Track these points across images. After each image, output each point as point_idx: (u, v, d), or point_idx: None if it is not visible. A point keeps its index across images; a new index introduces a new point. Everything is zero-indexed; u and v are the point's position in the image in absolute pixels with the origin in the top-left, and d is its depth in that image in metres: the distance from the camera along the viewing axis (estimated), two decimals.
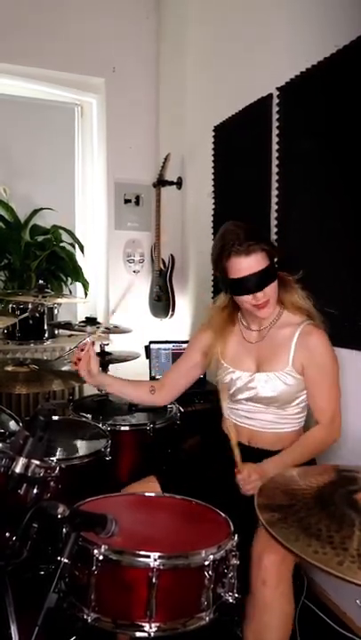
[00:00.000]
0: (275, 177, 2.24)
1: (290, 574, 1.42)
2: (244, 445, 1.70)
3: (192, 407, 2.49)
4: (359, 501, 1.08)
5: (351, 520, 1.02)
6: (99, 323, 2.69)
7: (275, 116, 2.23)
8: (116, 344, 3.13)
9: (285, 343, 1.62)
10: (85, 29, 3.31)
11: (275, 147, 2.24)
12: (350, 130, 1.80)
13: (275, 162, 2.24)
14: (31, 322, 2.80)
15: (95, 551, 1.15)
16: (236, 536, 1.26)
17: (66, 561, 1.04)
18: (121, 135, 3.48)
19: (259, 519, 1.05)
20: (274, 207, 2.25)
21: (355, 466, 1.30)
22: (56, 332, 2.99)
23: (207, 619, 1.17)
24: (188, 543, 1.23)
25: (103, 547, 1.14)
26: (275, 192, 2.24)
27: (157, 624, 1.12)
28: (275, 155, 2.24)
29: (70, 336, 3.15)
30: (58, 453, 1.75)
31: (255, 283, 1.55)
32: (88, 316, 2.77)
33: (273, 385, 1.62)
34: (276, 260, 1.61)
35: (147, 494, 1.53)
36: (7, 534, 1.11)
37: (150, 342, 2.84)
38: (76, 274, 3.43)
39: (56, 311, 2.96)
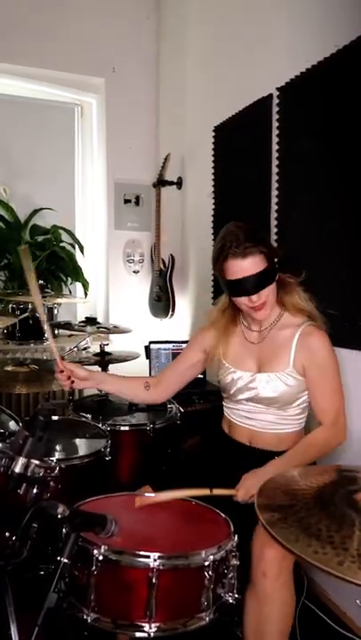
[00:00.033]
0: (275, 177, 2.24)
1: (291, 567, 1.42)
2: (245, 446, 1.71)
3: (192, 407, 2.49)
4: (359, 501, 1.08)
5: (351, 520, 1.01)
6: (98, 323, 2.69)
7: (275, 116, 2.23)
8: (115, 344, 3.13)
9: (286, 344, 1.62)
10: (85, 29, 3.31)
11: (275, 147, 2.24)
12: (350, 130, 1.80)
13: (275, 162, 2.24)
14: (31, 322, 2.80)
15: (95, 551, 1.15)
16: (236, 536, 1.25)
17: (66, 561, 1.04)
18: (121, 135, 3.48)
19: (259, 519, 1.05)
20: (274, 207, 2.25)
21: (355, 466, 1.30)
22: (56, 331, 2.99)
23: (207, 619, 1.17)
24: (188, 543, 1.23)
25: (103, 547, 1.14)
26: (275, 192, 2.24)
27: (157, 624, 1.12)
28: (275, 155, 2.24)
29: (70, 336, 3.15)
30: (57, 453, 1.75)
31: (251, 285, 1.55)
32: (88, 315, 2.77)
33: (274, 385, 1.62)
34: (276, 262, 1.61)
35: (147, 494, 1.52)
36: (7, 534, 1.11)
37: (150, 342, 2.84)
38: (76, 274, 3.43)
39: (56, 311, 2.97)
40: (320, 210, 1.98)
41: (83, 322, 2.68)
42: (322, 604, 1.98)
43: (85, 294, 3.49)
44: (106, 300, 3.61)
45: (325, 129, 1.93)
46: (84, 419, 2.10)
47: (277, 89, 2.19)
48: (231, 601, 1.22)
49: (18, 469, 1.10)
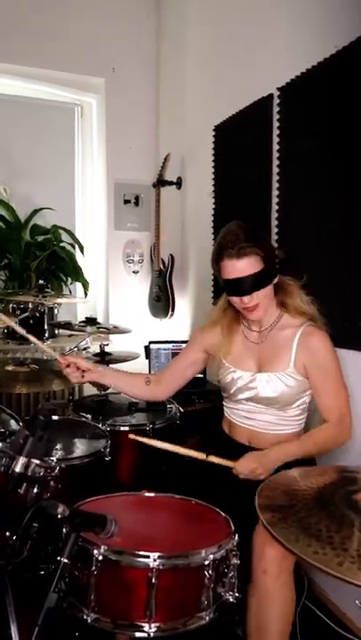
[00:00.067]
0: (275, 177, 2.24)
1: (291, 567, 1.42)
2: (245, 446, 1.71)
3: (192, 407, 2.48)
4: (359, 502, 1.08)
5: (351, 520, 1.02)
6: (98, 323, 2.69)
7: (275, 117, 2.23)
8: (115, 344, 3.13)
9: (287, 344, 1.62)
10: (85, 29, 3.31)
11: (275, 147, 2.24)
12: (350, 130, 1.80)
13: (275, 162, 2.24)
14: (31, 322, 2.79)
15: (95, 551, 1.15)
16: (236, 536, 1.26)
17: (66, 561, 1.04)
18: (121, 135, 3.48)
19: (259, 519, 1.05)
20: (274, 207, 2.25)
21: (355, 466, 1.30)
22: (56, 331, 2.99)
23: (207, 618, 1.17)
24: (188, 543, 1.23)
25: (103, 547, 1.14)
26: (275, 192, 2.24)
27: (157, 624, 1.12)
28: (275, 155, 2.24)
29: (70, 336, 3.15)
30: (58, 453, 1.75)
31: (244, 286, 1.55)
32: (88, 315, 2.77)
33: (274, 386, 1.62)
34: (276, 264, 1.60)
35: (147, 494, 1.53)
36: (7, 534, 1.11)
37: (150, 342, 2.84)
38: (76, 274, 3.43)
39: (56, 311, 2.96)
40: (320, 210, 1.98)
41: (83, 322, 2.67)
42: (322, 605, 1.98)
43: (85, 294, 3.49)
44: (106, 300, 3.61)
45: (326, 129, 1.93)
46: (84, 419, 2.10)
47: (278, 89, 2.19)
48: (232, 600, 1.22)
49: (18, 469, 1.10)
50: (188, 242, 3.25)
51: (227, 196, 2.75)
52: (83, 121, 3.71)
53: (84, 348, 2.61)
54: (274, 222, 2.25)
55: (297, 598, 1.47)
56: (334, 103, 1.88)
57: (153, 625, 1.12)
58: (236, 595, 1.22)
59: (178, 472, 1.71)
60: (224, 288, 1.63)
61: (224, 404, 1.81)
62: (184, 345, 2.20)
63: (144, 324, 3.29)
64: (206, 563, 1.17)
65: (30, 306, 2.70)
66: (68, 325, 2.71)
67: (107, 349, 2.61)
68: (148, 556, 1.13)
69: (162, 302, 3.21)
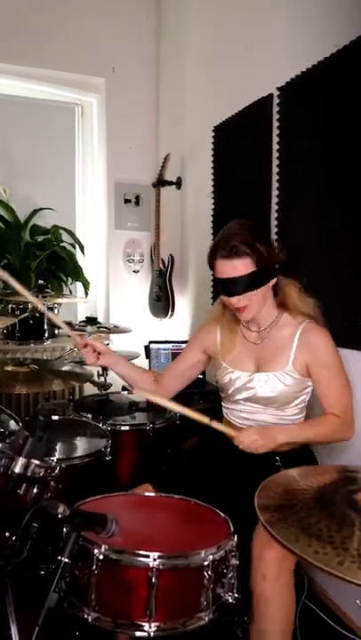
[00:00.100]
0: (275, 177, 2.24)
1: (292, 567, 1.42)
2: None
3: (192, 407, 2.48)
4: (359, 501, 1.08)
5: (351, 520, 1.02)
6: (99, 322, 2.69)
7: (275, 116, 2.23)
8: (115, 344, 3.13)
9: (287, 343, 1.62)
10: (85, 29, 3.31)
11: (275, 147, 2.24)
12: (350, 130, 1.80)
13: (275, 162, 2.24)
14: (31, 322, 2.80)
15: (95, 551, 1.15)
16: (235, 536, 1.25)
17: (66, 560, 1.04)
18: (121, 135, 3.48)
19: (259, 519, 1.05)
20: (274, 207, 2.25)
21: (355, 466, 1.30)
22: (56, 331, 2.99)
23: (207, 619, 1.17)
24: (188, 543, 1.23)
25: (103, 546, 1.14)
26: (275, 192, 2.24)
27: (157, 624, 1.13)
28: (275, 155, 2.24)
29: (70, 336, 3.15)
30: (58, 453, 1.75)
31: (234, 287, 1.55)
32: (88, 315, 2.77)
33: (272, 385, 1.62)
34: (273, 266, 1.59)
35: (147, 494, 1.53)
36: (7, 534, 1.11)
37: (150, 342, 2.84)
38: (77, 274, 3.43)
39: (56, 311, 2.97)
40: (320, 210, 1.98)
41: (83, 321, 2.68)
42: (322, 604, 1.98)
43: (86, 294, 3.49)
44: (106, 299, 3.61)
45: (326, 129, 1.93)
46: (84, 418, 2.10)
47: (278, 89, 2.19)
48: (231, 600, 1.22)
49: (18, 469, 1.10)
50: (187, 242, 3.25)
51: (226, 196, 2.75)
52: (83, 121, 3.71)
53: None
54: (274, 222, 2.25)
55: (297, 598, 1.47)
56: (334, 103, 1.88)
57: (153, 624, 1.12)
58: (236, 595, 1.22)
59: (178, 472, 1.70)
60: (218, 286, 1.63)
61: (223, 404, 1.81)
62: (184, 345, 2.20)
63: (144, 324, 3.29)
64: (206, 563, 1.17)
65: (30, 306, 2.70)
66: (68, 325, 2.71)
67: None
68: (148, 556, 1.13)
69: (162, 302, 3.21)
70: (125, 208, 3.55)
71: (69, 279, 3.46)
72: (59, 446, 1.81)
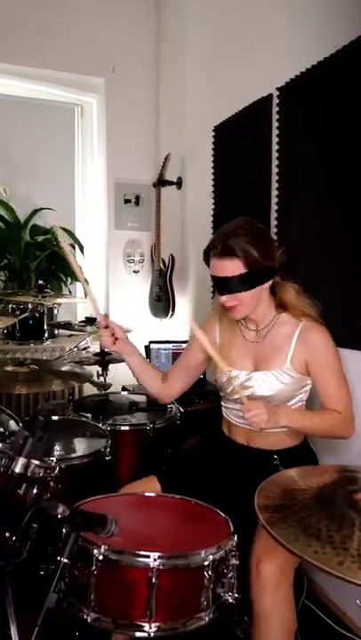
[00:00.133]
0: (275, 177, 2.24)
1: (290, 579, 1.40)
2: (243, 446, 1.70)
3: (192, 407, 2.48)
4: (359, 501, 1.08)
5: (351, 520, 1.02)
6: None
7: (275, 116, 2.23)
8: None
9: (285, 342, 1.62)
10: (85, 29, 3.31)
11: (275, 147, 2.24)
12: (350, 130, 1.80)
13: (275, 162, 2.24)
14: (31, 322, 2.80)
15: (95, 551, 1.15)
16: (235, 536, 1.25)
17: (66, 561, 1.04)
18: (121, 135, 3.48)
19: (259, 519, 1.05)
20: (274, 207, 2.25)
21: (355, 466, 1.30)
22: (56, 332, 2.99)
23: (207, 619, 1.17)
24: (188, 543, 1.23)
25: (103, 547, 1.14)
26: (275, 192, 2.24)
27: (157, 624, 1.12)
28: (275, 155, 2.24)
29: (70, 336, 3.15)
30: (57, 453, 1.75)
31: (223, 285, 1.56)
32: (88, 315, 2.77)
33: (270, 384, 1.62)
34: (269, 269, 1.57)
35: (147, 494, 1.53)
36: (7, 534, 1.11)
37: (150, 342, 2.84)
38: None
39: (56, 311, 2.97)
40: (320, 210, 1.98)
41: (83, 322, 2.67)
42: (322, 604, 1.99)
43: (85, 294, 3.48)
44: (106, 299, 3.61)
45: (325, 129, 1.93)
46: (84, 419, 2.10)
47: (277, 89, 2.19)
48: (231, 600, 1.22)
49: (18, 469, 1.10)
50: (188, 242, 3.25)
51: (227, 196, 2.75)
52: (83, 121, 3.71)
53: (84, 348, 2.62)
54: (273, 222, 2.25)
55: (297, 598, 1.47)
56: (334, 103, 1.88)
57: (153, 625, 1.12)
58: (236, 595, 1.22)
59: (178, 472, 1.70)
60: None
61: (222, 403, 1.81)
62: (184, 345, 2.20)
63: (144, 324, 3.29)
64: (206, 563, 1.17)
65: (30, 306, 2.71)
66: (67, 325, 2.72)
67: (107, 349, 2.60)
68: (148, 556, 1.13)
69: (162, 302, 3.21)
70: (125, 208, 3.55)
71: (69, 279, 3.46)
72: (58, 446, 1.81)
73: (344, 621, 1.91)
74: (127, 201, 3.55)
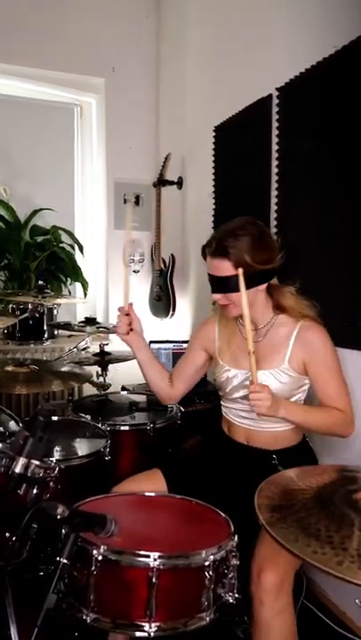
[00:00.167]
0: (275, 177, 2.24)
1: (290, 586, 1.39)
2: (243, 445, 1.70)
3: (192, 407, 2.48)
4: (359, 501, 1.08)
5: (351, 520, 1.01)
6: (98, 323, 2.69)
7: (275, 117, 2.23)
8: (115, 344, 3.12)
9: (284, 341, 1.62)
10: (85, 29, 3.31)
11: (275, 147, 2.24)
12: (350, 130, 1.80)
13: (275, 162, 2.24)
14: (31, 322, 2.79)
15: (94, 551, 1.15)
16: (236, 536, 1.25)
17: (65, 561, 1.04)
18: (121, 135, 3.48)
19: (259, 519, 1.05)
20: (274, 207, 2.25)
21: (355, 466, 1.30)
22: (56, 332, 2.99)
23: (207, 619, 1.17)
24: (189, 543, 1.23)
25: (102, 547, 1.14)
26: (274, 192, 2.24)
27: (157, 624, 1.12)
28: (275, 155, 2.24)
29: (70, 336, 3.15)
30: (57, 454, 1.75)
31: (215, 284, 1.57)
32: (87, 316, 2.77)
33: (268, 383, 1.60)
34: (263, 273, 1.56)
35: (147, 494, 1.53)
36: (7, 534, 1.11)
37: (150, 342, 2.83)
38: (76, 274, 3.43)
39: (56, 311, 2.96)
40: (320, 210, 1.98)
41: (82, 322, 2.67)
42: (321, 604, 1.99)
43: (85, 294, 3.49)
44: (105, 299, 3.61)
45: (325, 129, 1.93)
46: (83, 419, 2.10)
47: (277, 89, 2.19)
48: (231, 601, 1.22)
49: (18, 470, 1.10)
50: (188, 242, 3.25)
51: (227, 196, 2.75)
52: (82, 121, 3.71)
53: (84, 348, 2.62)
54: (273, 222, 2.25)
55: (296, 598, 1.46)
56: (334, 103, 1.88)
57: (153, 625, 1.12)
58: (236, 596, 1.22)
59: (178, 472, 1.70)
60: None
61: (221, 403, 1.80)
62: (185, 345, 2.20)
63: (145, 324, 3.23)
64: (207, 563, 1.17)
65: (30, 306, 2.70)
66: (67, 326, 2.71)
67: (106, 349, 2.61)
68: (148, 556, 1.13)
69: (162, 302, 3.21)
70: (125, 208, 3.55)
71: (69, 280, 3.46)
72: (58, 447, 1.81)
73: (343, 621, 1.91)
74: (127, 201, 3.54)
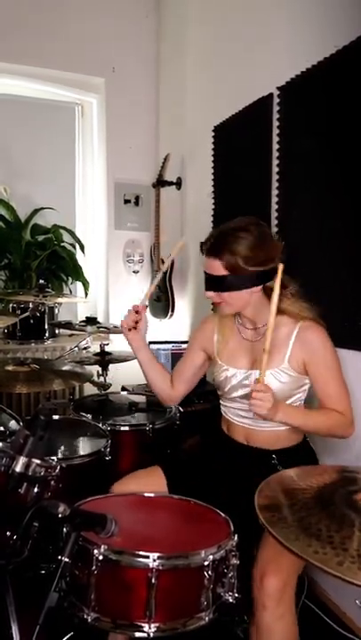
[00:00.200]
0: (275, 177, 2.24)
1: (292, 592, 1.39)
2: (242, 445, 1.70)
3: (192, 407, 2.48)
4: (359, 502, 1.08)
5: (351, 520, 1.02)
6: (98, 322, 2.69)
7: (275, 116, 2.23)
8: (115, 344, 3.13)
9: (283, 341, 1.61)
10: (85, 29, 3.31)
11: (275, 146, 2.24)
12: (350, 129, 1.80)
13: (275, 162, 2.24)
14: (32, 321, 2.80)
15: (95, 551, 1.15)
16: (235, 536, 1.25)
17: (66, 560, 1.04)
18: (121, 135, 3.48)
19: (259, 519, 1.05)
20: (274, 207, 2.25)
21: (355, 466, 1.30)
22: (56, 331, 2.99)
23: (207, 619, 1.17)
24: (188, 543, 1.23)
25: (103, 547, 1.15)
26: (275, 192, 2.24)
27: (157, 624, 1.13)
28: (275, 154, 2.24)
29: (71, 336, 3.15)
30: (58, 453, 1.75)
31: (208, 282, 1.58)
32: (88, 315, 2.77)
33: (268, 382, 1.61)
34: (257, 274, 1.54)
35: (146, 494, 1.53)
36: (8, 533, 1.11)
37: (150, 342, 2.81)
38: (77, 273, 3.43)
39: (56, 311, 2.97)
40: (321, 209, 1.98)
41: (83, 321, 2.68)
42: (322, 604, 1.99)
43: (86, 294, 3.49)
44: (106, 299, 3.61)
45: (326, 128, 1.93)
46: (84, 418, 2.10)
47: (278, 88, 2.19)
48: (231, 600, 1.22)
49: (19, 469, 1.10)
50: (188, 242, 3.24)
51: (227, 197, 2.75)
52: (83, 121, 3.71)
53: (85, 348, 2.62)
54: (274, 222, 2.25)
55: (297, 597, 1.46)
56: (334, 102, 1.88)
57: (153, 625, 1.12)
58: (236, 595, 1.22)
59: (177, 472, 1.71)
60: None
61: (220, 402, 1.80)
62: (184, 345, 2.20)
63: None
64: (206, 563, 1.17)
65: (31, 305, 2.71)
66: (68, 325, 2.72)
67: (107, 349, 2.61)
68: (147, 556, 1.13)
69: (162, 302, 3.21)
70: (125, 208, 3.55)
71: (70, 279, 3.46)
72: (59, 446, 1.81)
73: (344, 621, 1.91)
74: (127, 201, 3.55)
